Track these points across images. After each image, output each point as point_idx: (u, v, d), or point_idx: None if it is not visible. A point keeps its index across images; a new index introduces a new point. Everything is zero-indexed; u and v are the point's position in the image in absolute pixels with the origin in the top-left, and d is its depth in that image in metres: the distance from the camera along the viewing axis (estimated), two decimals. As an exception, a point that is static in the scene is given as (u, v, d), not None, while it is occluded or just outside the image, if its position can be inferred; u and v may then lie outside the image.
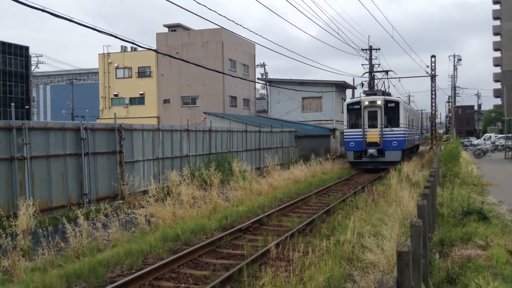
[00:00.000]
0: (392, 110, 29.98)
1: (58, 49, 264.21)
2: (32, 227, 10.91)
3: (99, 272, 8.85)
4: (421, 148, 59.16)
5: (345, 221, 12.02)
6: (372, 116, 30.26)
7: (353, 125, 30.82)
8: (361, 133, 29.94)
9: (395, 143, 29.49)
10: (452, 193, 14.18)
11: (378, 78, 40.45)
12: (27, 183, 13.76)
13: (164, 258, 9.99)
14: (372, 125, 30.22)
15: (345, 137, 31.40)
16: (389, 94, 33.75)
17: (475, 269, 7.28)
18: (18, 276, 8.60)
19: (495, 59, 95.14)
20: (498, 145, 52.06)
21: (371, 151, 29.63)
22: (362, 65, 44.97)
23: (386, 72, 39.01)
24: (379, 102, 29.86)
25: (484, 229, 10.47)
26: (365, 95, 32.39)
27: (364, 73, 37.27)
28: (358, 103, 30.64)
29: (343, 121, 34.56)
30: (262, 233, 12.60)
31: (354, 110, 30.81)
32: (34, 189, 14.01)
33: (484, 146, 47.31)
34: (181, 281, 8.78)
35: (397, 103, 30.30)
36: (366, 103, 30.10)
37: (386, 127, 29.73)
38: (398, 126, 29.85)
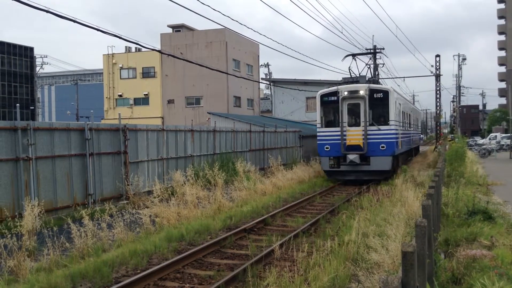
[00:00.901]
0: (379, 103, 22.62)
1: (62, 50, 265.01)
2: (37, 227, 10.94)
3: (104, 272, 8.87)
4: (425, 148, 58.88)
5: (349, 221, 12.01)
6: (353, 111, 23.06)
7: (328, 123, 23.76)
8: (339, 133, 22.62)
9: (383, 147, 22.07)
10: (457, 193, 14.14)
11: (368, 64, 28.93)
12: (32, 184, 13.80)
13: (169, 258, 10.00)
14: (353, 122, 23.17)
15: (318, 138, 23.91)
16: (376, 82, 26.26)
17: (480, 269, 7.26)
18: (24, 276, 8.63)
19: (500, 58, 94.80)
20: (503, 145, 51.86)
21: (352, 157, 22.16)
22: (366, 64, 44.39)
23: (374, 53, 28.64)
24: (362, 92, 22.30)
25: (489, 229, 10.44)
26: (344, 83, 24.46)
27: (346, 55, 27.57)
28: (335, 93, 23.03)
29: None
30: (266, 233, 12.59)
31: (329, 103, 23.45)
32: (39, 190, 14.05)
33: (489, 146, 47.13)
34: (185, 281, 8.79)
35: (385, 93, 22.62)
36: (345, 93, 22.68)
37: (372, 125, 22.48)
38: (387, 123, 22.48)
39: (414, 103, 75.65)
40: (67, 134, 15.35)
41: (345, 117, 22.93)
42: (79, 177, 15.73)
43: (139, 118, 53.27)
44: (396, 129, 23.30)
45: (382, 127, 22.46)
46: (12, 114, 68.09)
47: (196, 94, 54.13)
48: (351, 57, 26.79)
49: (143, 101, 58.53)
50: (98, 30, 13.22)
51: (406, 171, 23.07)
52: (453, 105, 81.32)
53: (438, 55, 49.53)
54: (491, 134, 65.90)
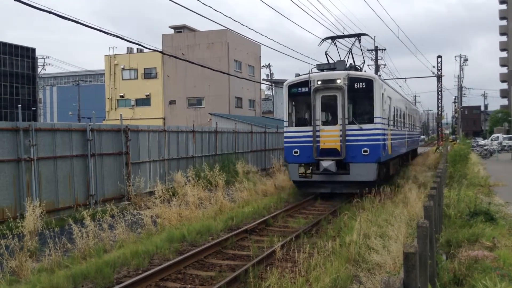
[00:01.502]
0: (362, 95, 17.83)
1: (64, 50, 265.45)
2: (39, 228, 10.96)
3: (106, 273, 8.87)
4: (427, 149, 58.78)
5: (351, 222, 12.00)
6: (329, 105, 18.24)
7: (298, 121, 18.96)
8: (311, 134, 17.64)
9: (366, 151, 17.15)
10: (459, 194, 14.12)
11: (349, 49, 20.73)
12: (34, 184, 13.82)
13: (170, 259, 10.00)
14: (329, 120, 18.63)
15: (285, 141, 18.87)
16: (358, 69, 19.69)
17: (482, 270, 7.25)
18: (26, 276, 8.64)
19: (501, 59, 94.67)
20: (505, 146, 51.80)
21: (326, 164, 17.16)
22: (368, 65, 44.31)
23: (358, 36, 20.84)
24: (339, 81, 17.44)
25: (491, 230, 10.42)
26: (318, 70, 18.71)
27: (324, 39, 20.43)
28: (306, 83, 18.10)
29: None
30: (268, 234, 12.59)
31: (299, 95, 18.46)
32: (41, 190, 14.07)
33: (491, 147, 47.08)
34: (187, 282, 8.79)
35: (369, 82, 17.52)
36: (318, 83, 17.73)
37: (352, 123, 17.58)
38: (372, 121, 17.50)
39: (415, 104, 75.46)
40: (69, 135, 15.37)
41: (318, 113, 17.79)
42: (81, 178, 15.74)
43: (140, 119, 53.34)
44: (384, 129, 18.12)
45: (365, 126, 17.29)
46: (14, 115, 68.18)
47: (198, 95, 54.17)
48: (330, 40, 20.45)
49: (145, 102, 58.60)
50: (100, 31, 13.25)
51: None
52: (455, 106, 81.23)
53: (439, 56, 49.59)
54: (493, 135, 65.84)
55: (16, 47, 76.56)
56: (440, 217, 10.14)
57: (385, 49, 48.36)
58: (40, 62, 76.95)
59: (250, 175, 23.23)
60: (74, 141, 15.54)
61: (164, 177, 20.02)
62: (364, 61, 21.36)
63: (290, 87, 18.48)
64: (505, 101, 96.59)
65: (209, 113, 47.31)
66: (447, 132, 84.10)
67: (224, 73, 33.53)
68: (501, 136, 60.49)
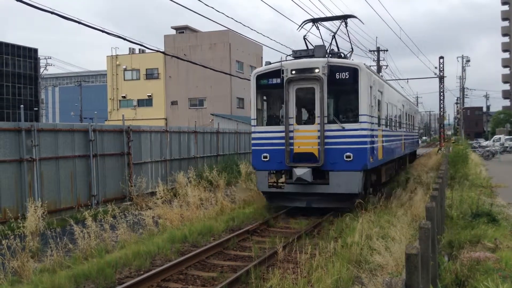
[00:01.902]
0: (344, 88, 14.96)
1: (66, 51, 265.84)
2: (41, 228, 10.97)
3: (108, 273, 8.87)
4: (428, 150, 58.67)
5: (353, 223, 11.99)
6: (305, 100, 15.41)
7: (269, 119, 16.22)
8: (283, 135, 14.70)
9: (349, 157, 14.09)
10: (461, 195, 14.11)
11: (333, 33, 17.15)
12: (36, 185, 13.84)
13: (172, 260, 10.00)
14: (305, 118, 15.87)
15: (252, 143, 15.81)
16: (343, 56, 15.94)
17: (484, 272, 7.24)
18: (27, 277, 8.64)
19: (503, 60, 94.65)
20: (507, 147, 51.74)
21: (300, 172, 14.15)
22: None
23: (344, 18, 16.95)
24: (317, 71, 14.37)
25: (493, 231, 10.41)
26: (293, 58, 15.55)
27: (305, 21, 16.83)
28: (277, 73, 14.87)
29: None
30: (269, 235, 12.58)
31: (270, 88, 15.45)
32: (43, 191, 14.09)
33: (493, 148, 47.01)
34: (189, 283, 8.79)
35: (353, 72, 14.37)
36: (292, 72, 14.67)
37: (332, 122, 14.57)
38: (356, 120, 14.43)
39: (417, 105, 75.34)
40: (71, 135, 15.39)
41: (292, 110, 14.74)
42: (83, 178, 15.75)
43: (142, 119, 53.39)
44: (372, 129, 15.08)
45: (348, 126, 14.26)
46: (16, 115, 68.29)
47: (200, 96, 54.21)
48: (311, 24, 16.95)
49: (147, 102, 58.66)
50: (102, 31, 13.27)
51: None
52: (457, 107, 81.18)
53: (441, 57, 49.52)
54: (495, 136, 65.77)
55: (18, 47, 76.67)
56: (442, 218, 10.13)
57: (387, 50, 48.34)
58: (42, 62, 77.12)
59: (252, 175, 23.23)
60: (76, 141, 15.55)
61: (166, 178, 20.03)
62: (352, 50, 17.17)
63: (259, 77, 15.34)
64: (507, 102, 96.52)
65: (211, 114, 47.36)
66: (449, 133, 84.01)
67: (226, 73, 33.55)
68: (503, 137, 60.44)
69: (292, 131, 14.66)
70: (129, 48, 63.38)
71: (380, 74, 38.28)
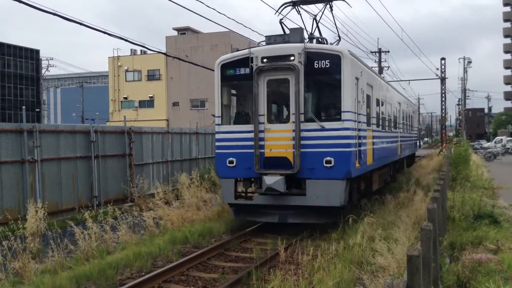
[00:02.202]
0: (325, 79, 12.80)
1: (68, 52, 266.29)
2: (42, 229, 10.97)
3: (109, 274, 8.87)
4: (429, 151, 58.62)
5: (355, 225, 11.97)
6: (278, 94, 13.28)
7: (237, 116, 13.76)
8: (251, 135, 12.53)
9: (329, 162, 11.90)
10: (463, 196, 14.09)
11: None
12: (37, 186, 13.85)
13: (173, 261, 10.00)
14: (278, 116, 13.58)
15: (216, 145, 13.43)
16: (323, 42, 13.81)
17: (486, 273, 7.23)
18: (29, 278, 8.65)
19: (505, 61, 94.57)
20: (508, 148, 51.67)
21: (271, 180, 11.91)
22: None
23: (328, 0, 14.68)
24: (292, 58, 12.22)
25: (495, 232, 10.40)
26: (266, 43, 13.22)
27: (284, 4, 14.30)
28: (246, 61, 12.70)
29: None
30: (271, 236, 12.56)
31: (237, 79, 13.25)
32: (44, 192, 14.10)
33: (495, 149, 46.96)
34: (190, 284, 8.79)
35: (336, 60, 12.13)
36: (264, 61, 12.47)
37: (310, 120, 12.29)
38: (339, 118, 12.24)
39: (419, 106, 75.15)
40: (73, 136, 15.41)
41: (263, 106, 12.46)
42: (84, 179, 15.77)
43: (144, 120, 53.42)
44: (359, 129, 12.94)
45: (328, 125, 12.03)
46: (18, 116, 68.39)
47: (201, 97, 54.25)
48: (290, 7, 14.59)
49: (148, 103, 58.72)
50: (104, 32, 13.29)
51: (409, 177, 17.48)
52: (459, 108, 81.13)
53: (443, 58, 49.62)
54: (497, 138, 65.72)
55: (20, 48, 76.80)
56: (444, 220, 10.12)
57: (388, 51, 48.33)
58: (44, 63, 77.21)
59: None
60: (78, 142, 15.57)
61: (168, 179, 20.04)
62: (340, 38, 14.86)
63: (224, 67, 13.03)
64: (509, 104, 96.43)
65: (212, 115, 47.35)
66: (451, 134, 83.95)
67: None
68: (504, 138, 60.37)
69: (262, 131, 12.36)
70: (131, 49, 63.47)
71: (382, 75, 37.86)
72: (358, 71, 13.08)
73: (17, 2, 10.45)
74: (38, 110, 76.18)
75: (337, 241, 10.45)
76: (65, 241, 10.21)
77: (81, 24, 12.49)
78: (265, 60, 12.38)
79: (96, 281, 8.69)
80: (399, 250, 8.59)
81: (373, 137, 15.01)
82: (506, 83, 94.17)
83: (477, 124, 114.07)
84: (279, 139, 12.35)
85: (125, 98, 59.46)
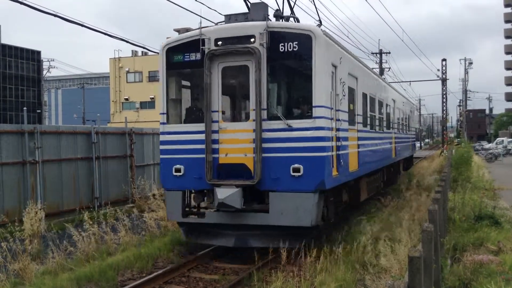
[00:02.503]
0: (293, 65, 10.60)
1: (69, 53, 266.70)
2: (42, 231, 10.98)
3: (110, 275, 8.88)
4: (430, 152, 58.58)
5: (357, 227, 11.98)
6: (235, 86, 11.48)
7: (188, 113, 11.33)
8: (202, 137, 10.20)
9: (297, 170, 9.58)
10: (463, 197, 14.08)
11: None
12: (38, 187, 13.86)
13: (174, 262, 10.00)
14: (235, 113, 11.71)
15: (161, 149, 11.20)
16: (294, 20, 11.63)
17: (487, 275, 7.22)
18: (29, 279, 8.65)
19: (506, 62, 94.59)
20: (510, 149, 51.64)
21: (224, 194, 9.62)
22: (373, 69, 43.97)
23: None
24: (253, 40, 9.91)
25: (496, 234, 10.39)
26: (224, 22, 10.94)
27: None
28: (196, 44, 10.27)
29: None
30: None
31: (186, 67, 11.05)
32: (45, 193, 14.11)
33: (496, 150, 46.93)
34: (191, 285, 8.79)
35: (305, 40, 9.69)
36: (218, 43, 10.14)
37: (274, 118, 9.96)
38: (308, 115, 9.89)
39: (420, 108, 74.92)
40: (74, 138, 15.42)
41: (217, 100, 10.27)
42: (85, 181, 15.78)
43: (145, 121, 53.44)
44: (338, 128, 10.62)
45: (297, 123, 9.80)
46: (19, 118, 68.45)
47: (202, 98, 54.21)
48: None
49: (149, 104, 58.74)
50: (105, 34, 13.32)
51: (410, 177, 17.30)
52: (460, 109, 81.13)
53: (444, 59, 49.60)
54: (498, 139, 65.71)
55: (22, 49, 76.90)
56: (445, 221, 10.11)
57: (389, 53, 48.36)
58: (45, 64, 77.29)
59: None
60: (79, 143, 15.58)
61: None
62: (320, 23, 12.25)
63: (171, 51, 10.73)
64: (510, 105, 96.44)
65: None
66: (452, 135, 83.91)
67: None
68: (506, 139, 60.35)
69: (216, 132, 10.13)
70: (132, 51, 63.57)
71: (383, 76, 37.59)
72: (335, 56, 10.72)
73: (18, 4, 10.48)
74: (39, 111, 76.24)
75: (339, 243, 10.42)
76: (65, 243, 10.22)
77: (82, 25, 12.53)
78: (219, 42, 10.05)
79: (97, 282, 8.69)
80: (401, 251, 8.59)
81: (359, 139, 12.79)
82: (507, 84, 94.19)
83: (478, 125, 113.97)
84: (237, 141, 10.05)
85: (126, 99, 59.53)
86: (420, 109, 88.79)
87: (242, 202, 9.63)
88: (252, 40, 9.88)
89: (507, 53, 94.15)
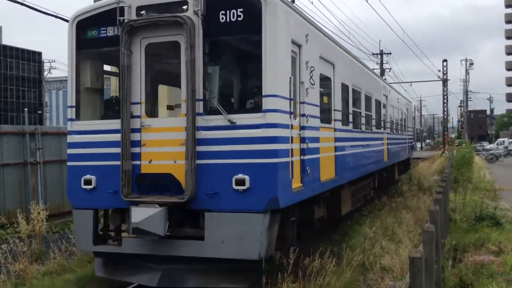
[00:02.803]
0: (236, 40, 7.94)
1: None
2: (44, 231, 10.97)
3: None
4: (431, 153, 58.59)
5: (358, 227, 11.98)
6: (163, 69, 9.35)
7: (106, 107, 8.92)
8: (118, 137, 7.68)
9: (242, 182, 7.07)
10: (464, 198, 14.09)
11: None
12: (39, 188, 13.87)
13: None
14: (163, 106, 9.59)
15: (68, 153, 8.57)
16: None
17: (488, 275, 7.23)
18: (30, 280, 8.65)
19: (507, 63, 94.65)
20: (510, 150, 51.64)
21: (141, 216, 7.08)
22: (373, 70, 44.08)
23: None
24: (186, 7, 7.42)
25: (497, 234, 10.40)
26: None
27: None
28: (113, 15, 7.74)
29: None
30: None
31: (102, 44, 8.14)
32: (46, 194, 14.11)
33: (497, 151, 46.93)
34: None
35: (253, 6, 7.16)
36: (141, 13, 7.63)
37: (213, 111, 7.46)
38: (257, 108, 7.37)
39: (421, 109, 74.79)
40: (75, 139, 15.43)
41: (139, 89, 7.90)
42: (86, 181, 15.77)
43: (146, 122, 53.58)
44: (291, 125, 7.82)
45: (242, 119, 7.34)
46: (20, 119, 68.54)
47: (203, 99, 54.23)
48: None
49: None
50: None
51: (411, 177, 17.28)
52: (461, 110, 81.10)
53: (445, 60, 49.70)
54: (499, 139, 65.73)
55: (23, 51, 77.03)
56: (446, 222, 10.11)
57: (390, 53, 48.40)
58: (46, 65, 77.37)
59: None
60: (80, 144, 15.59)
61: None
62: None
63: (82, 25, 8.28)
64: (511, 105, 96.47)
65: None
66: (453, 136, 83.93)
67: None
68: (507, 140, 60.34)
69: (138, 130, 7.75)
70: (133, 52, 63.61)
71: (384, 77, 37.45)
72: (299, 32, 8.32)
73: (19, 5, 10.51)
74: (40, 112, 76.31)
75: (340, 243, 10.42)
76: (67, 243, 10.22)
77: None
78: (142, 11, 7.68)
79: (99, 283, 8.67)
80: (402, 252, 8.59)
81: (337, 140, 10.32)
82: (508, 85, 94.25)
83: (479, 125, 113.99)
84: (164, 144, 7.62)
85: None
86: (421, 109, 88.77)
87: (167, 226, 7.09)
88: (184, 7, 7.48)
89: (508, 53, 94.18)
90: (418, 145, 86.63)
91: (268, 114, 7.12)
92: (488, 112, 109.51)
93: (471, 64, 75.20)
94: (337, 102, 10.59)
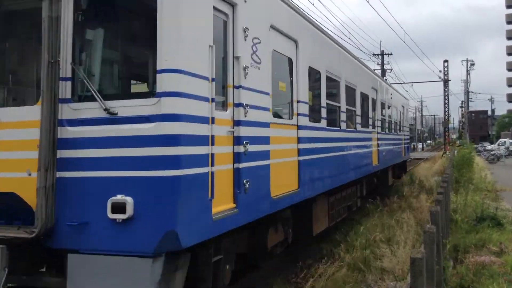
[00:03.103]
0: (128, 10, 5.21)
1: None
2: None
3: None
4: (432, 154, 58.63)
5: (358, 228, 11.99)
6: (18, 43, 5.86)
7: None
8: None
9: (121, 209, 4.48)
10: (465, 199, 14.10)
11: None
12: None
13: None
14: (17, 93, 5.82)
15: None
16: None
17: (489, 276, 7.24)
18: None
19: (508, 63, 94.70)
20: (512, 150, 51.62)
21: None
22: (374, 70, 44.02)
23: None
24: None
25: (498, 235, 10.42)
26: None
27: None
28: None
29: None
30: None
31: None
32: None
33: (498, 152, 46.91)
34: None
35: None
36: None
37: (85, 98, 4.92)
38: (148, 92, 5.08)
39: (422, 109, 74.72)
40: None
41: None
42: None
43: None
44: (210, 117, 5.06)
45: (125, 108, 4.72)
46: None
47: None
48: None
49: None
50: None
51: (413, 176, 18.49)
52: (462, 110, 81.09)
53: (446, 60, 49.56)
54: (500, 140, 65.68)
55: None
56: (447, 222, 10.13)
57: (391, 54, 48.40)
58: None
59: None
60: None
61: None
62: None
63: None
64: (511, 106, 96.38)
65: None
66: (454, 136, 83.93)
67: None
68: (508, 140, 60.30)
69: None
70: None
71: (385, 78, 37.40)
72: None
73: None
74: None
75: (339, 244, 10.45)
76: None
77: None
78: None
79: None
80: (402, 252, 8.61)
81: (301, 140, 7.89)
82: (509, 85, 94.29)
83: (480, 126, 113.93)
84: (11, 147, 5.09)
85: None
86: (422, 110, 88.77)
87: (4, 276, 4.56)
88: None
89: (509, 54, 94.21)
90: (419, 145, 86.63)
91: (164, 100, 4.59)
92: (489, 113, 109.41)
93: (472, 64, 75.15)
94: (301, 92, 7.95)
